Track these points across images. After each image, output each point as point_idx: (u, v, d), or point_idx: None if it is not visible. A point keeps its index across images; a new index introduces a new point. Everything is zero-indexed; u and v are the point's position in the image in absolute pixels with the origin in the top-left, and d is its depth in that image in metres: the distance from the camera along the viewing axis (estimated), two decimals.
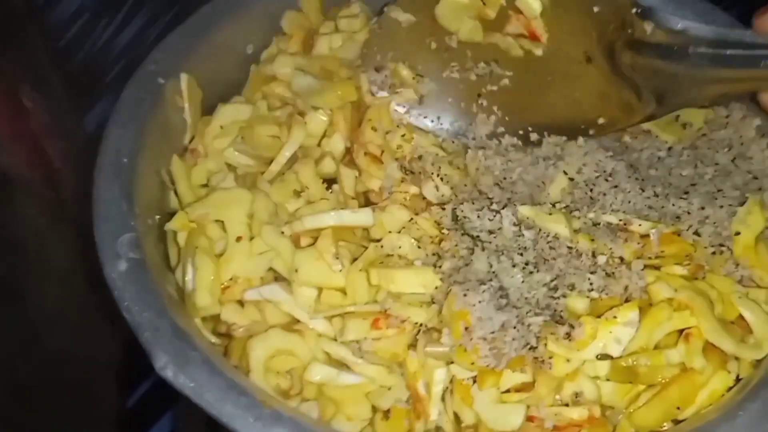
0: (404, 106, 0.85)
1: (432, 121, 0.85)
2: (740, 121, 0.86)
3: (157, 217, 0.77)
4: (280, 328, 0.72)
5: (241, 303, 0.74)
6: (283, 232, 0.75)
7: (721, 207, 0.77)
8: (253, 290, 0.73)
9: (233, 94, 0.89)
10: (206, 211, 0.76)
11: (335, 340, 0.72)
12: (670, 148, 0.84)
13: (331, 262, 0.73)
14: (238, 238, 0.75)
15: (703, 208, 0.76)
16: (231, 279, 0.75)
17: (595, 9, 0.83)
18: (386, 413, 0.70)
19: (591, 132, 0.83)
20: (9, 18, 1.14)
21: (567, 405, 0.69)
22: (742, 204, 0.77)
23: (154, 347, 0.65)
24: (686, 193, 0.78)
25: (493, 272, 0.71)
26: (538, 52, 0.85)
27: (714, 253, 0.75)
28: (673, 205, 0.77)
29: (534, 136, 0.83)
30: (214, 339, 0.73)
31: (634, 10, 0.81)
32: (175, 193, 0.81)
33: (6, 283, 1.24)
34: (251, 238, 0.75)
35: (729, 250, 0.76)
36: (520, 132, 0.84)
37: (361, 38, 0.89)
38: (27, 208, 1.26)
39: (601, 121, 0.84)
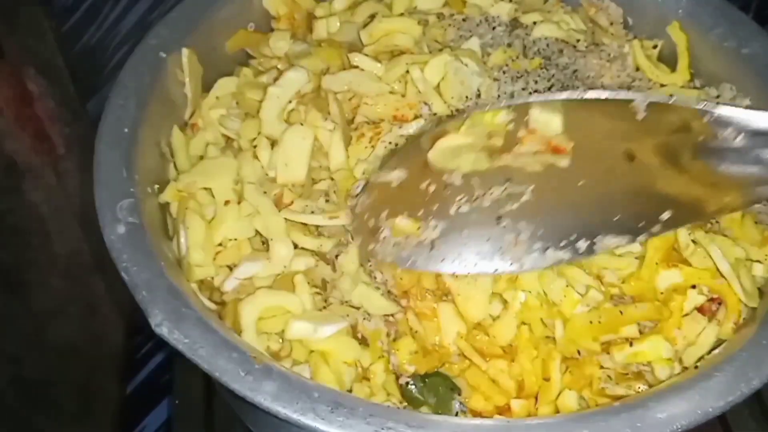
0: (417, 259, 0.74)
1: (453, 262, 0.74)
2: (730, 102, 0.88)
3: (157, 186, 0.79)
4: (267, 287, 0.74)
5: (231, 268, 0.77)
6: (265, 192, 0.77)
7: None
8: (230, 279, 0.76)
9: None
10: (193, 180, 0.79)
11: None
12: None
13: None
14: (226, 202, 0.78)
15: None
16: (221, 244, 0.77)
17: (639, 117, 0.67)
18: (364, 340, 0.73)
19: (655, 229, 0.71)
20: (15, 2, 1.15)
21: None
22: None
23: (150, 305, 0.66)
24: None
25: None
26: (563, 163, 0.71)
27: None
28: None
29: (582, 244, 0.73)
30: (210, 305, 0.75)
31: (706, 119, 0.67)
32: (175, 165, 0.83)
33: (11, 272, 1.26)
34: (239, 202, 0.78)
35: (718, 222, 0.78)
36: (563, 243, 0.73)
37: (358, 20, 0.91)
38: (32, 194, 1.27)
39: (665, 216, 0.71)
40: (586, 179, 0.71)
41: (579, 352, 0.73)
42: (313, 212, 0.77)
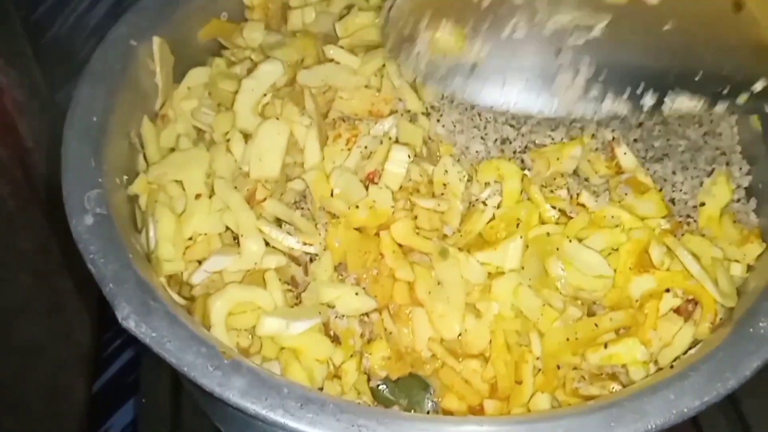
0: (452, 81, 0.67)
1: (491, 93, 0.67)
2: None
3: (125, 177, 0.77)
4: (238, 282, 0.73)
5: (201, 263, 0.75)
6: (236, 187, 0.76)
7: (693, 178, 0.79)
8: (198, 272, 0.75)
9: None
10: (164, 171, 0.77)
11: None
12: (640, 124, 0.84)
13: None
14: (197, 196, 0.76)
15: (674, 173, 0.78)
16: (191, 238, 0.76)
17: None
18: (336, 338, 0.72)
19: (740, 99, 0.64)
20: None
21: None
22: None
23: (117, 298, 0.65)
24: (660, 159, 0.79)
25: None
26: (653, 1, 0.63)
27: (681, 222, 0.77)
28: (648, 169, 0.78)
29: (649, 99, 0.65)
30: (179, 299, 0.73)
31: None
32: (145, 156, 0.81)
33: None
34: (210, 196, 0.76)
35: (695, 221, 0.77)
36: (627, 93, 0.65)
37: (334, 11, 0.90)
38: None
39: (758, 86, 0.63)
40: (676, 23, 0.62)
41: (558, 366, 0.72)
42: (289, 233, 0.75)
